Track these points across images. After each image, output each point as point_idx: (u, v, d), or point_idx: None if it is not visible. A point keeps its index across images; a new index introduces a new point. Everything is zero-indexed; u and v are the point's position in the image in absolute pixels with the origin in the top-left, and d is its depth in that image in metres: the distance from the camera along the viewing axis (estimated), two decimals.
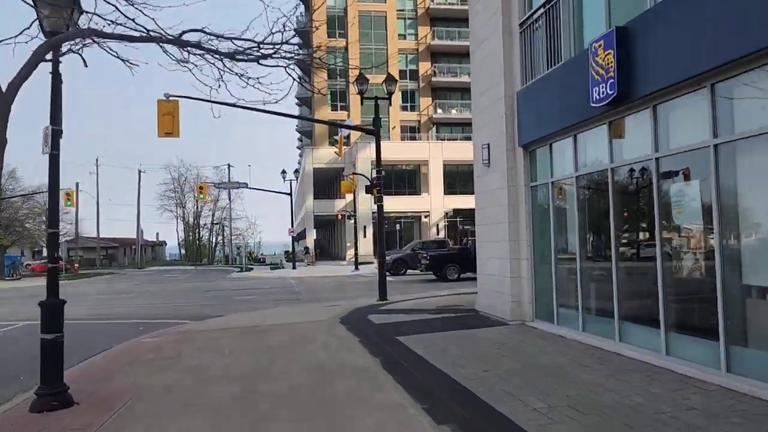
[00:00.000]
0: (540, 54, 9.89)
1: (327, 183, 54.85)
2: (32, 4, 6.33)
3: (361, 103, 20.02)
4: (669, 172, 6.94)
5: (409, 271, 30.30)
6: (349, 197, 43.54)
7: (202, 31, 6.73)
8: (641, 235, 7.81)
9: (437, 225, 47.36)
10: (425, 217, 47.51)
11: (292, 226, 45.96)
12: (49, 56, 6.62)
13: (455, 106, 55.49)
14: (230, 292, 25.12)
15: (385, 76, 18.37)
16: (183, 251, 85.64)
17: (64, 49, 6.62)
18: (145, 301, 22.24)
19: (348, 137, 46.31)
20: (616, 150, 7.94)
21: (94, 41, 6.34)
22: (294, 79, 7.92)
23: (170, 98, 17.73)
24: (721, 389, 5.80)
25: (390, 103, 19.48)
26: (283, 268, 45.47)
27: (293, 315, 14.33)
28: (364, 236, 44.14)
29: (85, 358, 9.80)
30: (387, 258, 22.98)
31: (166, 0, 6.79)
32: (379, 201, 18.03)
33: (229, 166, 64.91)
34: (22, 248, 68.46)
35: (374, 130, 18.54)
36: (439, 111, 54.95)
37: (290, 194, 44.90)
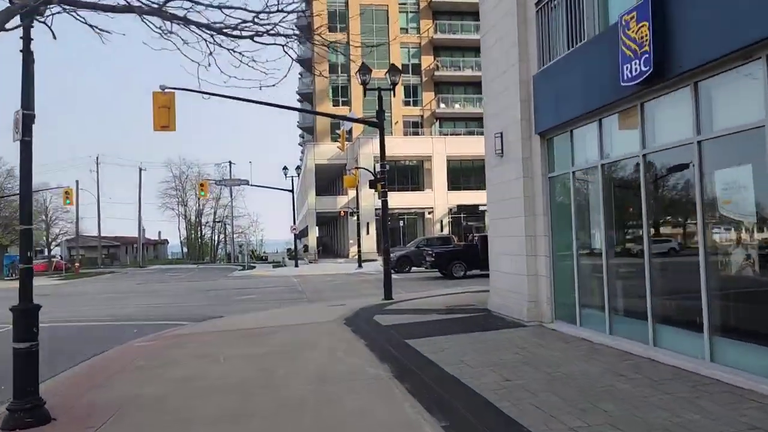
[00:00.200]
0: (559, 33, 9.15)
1: (329, 179, 54.15)
2: None
3: (364, 95, 19.29)
4: (713, 157, 6.20)
5: (413, 268, 29.63)
6: (352, 194, 42.83)
7: None
8: (679, 228, 7.07)
9: (441, 221, 46.57)
10: (429, 213, 46.72)
11: (294, 223, 45.25)
12: (20, 33, 5.93)
13: (458, 100, 54.68)
14: (231, 291, 24.46)
15: (387, 69, 17.59)
16: (185, 249, 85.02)
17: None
18: (143, 301, 21.60)
19: (350, 132, 45.57)
20: (649, 134, 7.19)
21: (63, 9, 5.62)
22: (292, 59, 7.18)
23: (166, 90, 17.05)
24: None
25: (393, 94, 18.77)
26: (285, 266, 44.80)
27: (295, 316, 13.64)
28: (367, 233, 43.42)
29: (74, 365, 9.12)
30: (391, 255, 22.26)
31: None
32: (383, 196, 17.30)
33: (230, 163, 64.15)
34: None
35: (378, 123, 17.79)
36: (442, 106, 54.13)
37: (292, 191, 44.16)
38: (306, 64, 59.44)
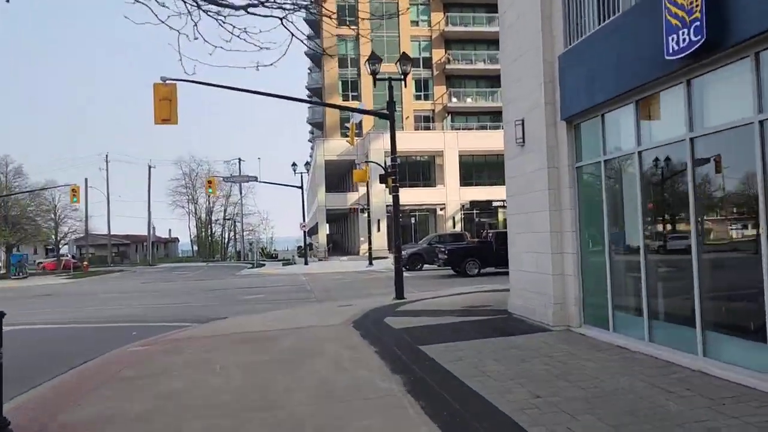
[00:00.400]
0: (588, 7, 8.25)
1: (339, 176, 53.40)
2: None
3: (374, 86, 18.42)
4: None
5: (425, 266, 28.82)
6: (362, 190, 42.06)
7: None
8: (733, 221, 6.19)
9: (453, 218, 45.66)
10: (441, 209, 45.82)
11: (304, 220, 44.55)
12: None
13: (470, 94, 53.62)
14: (238, 290, 23.79)
15: (396, 63, 16.73)
16: (195, 247, 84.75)
17: None
18: (148, 301, 20.99)
19: (360, 126, 44.73)
20: (697, 115, 6.30)
21: None
22: (292, 34, 6.38)
23: (167, 82, 16.36)
24: None
25: (404, 85, 17.86)
26: (295, 263, 44.17)
27: (302, 318, 12.86)
28: (378, 230, 42.62)
29: (58, 374, 8.41)
30: (403, 253, 21.46)
31: None
32: (394, 191, 16.50)
33: (239, 160, 63.43)
34: (35, 246, 68.05)
35: (388, 114, 16.97)
36: (454, 100, 53.10)
37: (301, 187, 43.45)
38: (315, 59, 58.77)
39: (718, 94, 6.10)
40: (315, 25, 49.00)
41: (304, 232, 44.34)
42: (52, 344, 12.23)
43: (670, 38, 6.10)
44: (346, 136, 33.90)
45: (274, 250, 76.15)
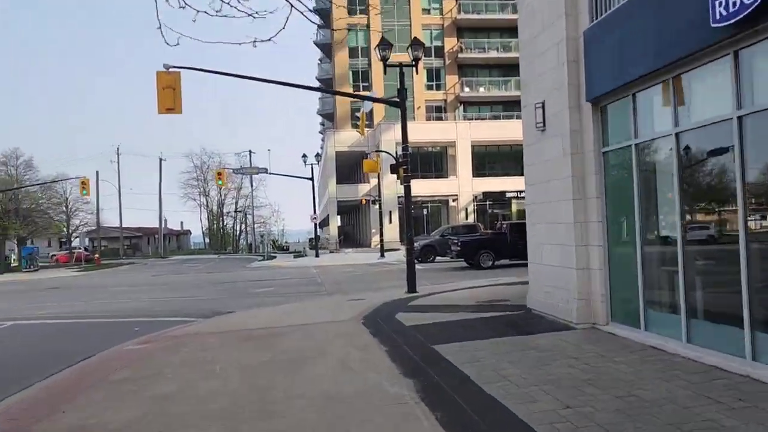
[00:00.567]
0: None
1: (350, 167, 52.76)
2: None
3: (384, 73, 17.73)
4: None
5: (438, 258, 28.20)
6: (374, 182, 41.44)
7: None
8: None
9: (466, 209, 44.87)
10: (453, 201, 45.05)
11: (315, 212, 44.04)
12: None
13: (483, 83, 52.62)
14: (247, 283, 23.36)
15: (407, 49, 16.01)
16: (207, 240, 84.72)
17: None
18: (156, 295, 20.64)
19: (371, 116, 44.04)
20: (746, 91, 5.60)
21: None
22: (292, 5, 5.76)
23: (170, 69, 15.82)
24: None
25: (416, 71, 17.16)
26: (306, 256, 43.74)
27: (310, 313, 12.33)
28: (390, 222, 41.99)
29: (54, 373, 7.96)
30: (415, 245, 20.86)
31: None
32: (406, 182, 15.88)
33: (250, 152, 63.03)
34: (49, 239, 68.30)
35: (399, 102, 16.32)
36: (467, 89, 52.12)
37: (311, 179, 42.90)
38: (325, 49, 58.04)
39: None
40: (325, 16, 48.32)
41: (315, 224, 43.84)
42: (54, 341, 11.82)
43: (716, 3, 5.40)
44: (357, 127, 33.29)
45: (286, 242, 75.84)
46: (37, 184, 48.12)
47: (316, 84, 60.65)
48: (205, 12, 4.97)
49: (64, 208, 55.05)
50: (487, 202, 44.97)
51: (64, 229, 57.52)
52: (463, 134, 44.54)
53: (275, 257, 45.99)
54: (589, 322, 8.27)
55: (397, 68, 16.06)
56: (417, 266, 17.15)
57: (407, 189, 15.82)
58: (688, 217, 6.55)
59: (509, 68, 49.85)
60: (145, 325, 12.42)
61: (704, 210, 6.57)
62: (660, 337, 6.88)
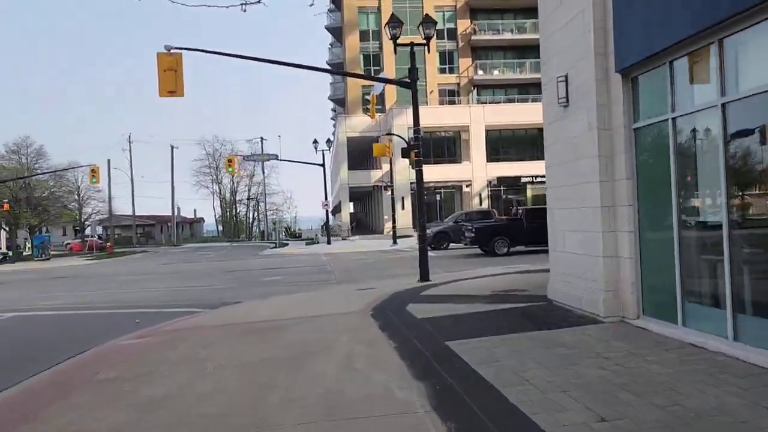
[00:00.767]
0: None
1: (362, 153, 52.01)
2: None
3: (394, 52, 16.93)
4: None
5: (451, 244, 27.55)
6: (386, 167, 40.73)
7: None
8: None
9: (480, 195, 44.01)
10: (467, 186, 44.17)
11: (327, 198, 43.48)
12: None
13: (498, 66, 51.43)
14: (257, 272, 22.91)
15: (418, 26, 15.19)
16: (221, 228, 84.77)
17: None
18: (166, 284, 20.28)
19: (383, 100, 43.19)
20: None
21: None
22: None
23: (172, 51, 15.22)
24: None
25: (428, 50, 16.34)
26: (318, 243, 43.30)
27: (317, 304, 11.76)
28: (402, 208, 41.31)
29: (41, 371, 7.47)
30: (428, 231, 20.18)
31: None
32: (417, 166, 15.19)
33: (261, 139, 62.57)
34: (64, 227, 68.62)
35: (410, 83, 15.59)
36: (480, 72, 50.98)
37: (323, 165, 42.28)
38: (336, 33, 57.09)
39: None
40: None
41: (327, 210, 43.32)
42: (51, 333, 11.41)
43: None
44: (368, 110, 32.53)
45: (298, 229, 75.56)
46: (48, 172, 48.07)
47: (327, 68, 59.90)
48: None
49: (76, 197, 55.08)
50: (502, 188, 44.07)
51: (77, 218, 57.59)
52: (477, 118, 43.53)
53: (287, 244, 45.65)
54: (618, 315, 7.57)
55: (408, 48, 15.30)
56: (430, 253, 16.50)
57: (419, 174, 15.15)
58: (737, 198, 5.79)
59: (524, 50, 48.63)
60: (150, 316, 11.97)
61: (757, 191, 5.80)
62: (701, 334, 6.17)
